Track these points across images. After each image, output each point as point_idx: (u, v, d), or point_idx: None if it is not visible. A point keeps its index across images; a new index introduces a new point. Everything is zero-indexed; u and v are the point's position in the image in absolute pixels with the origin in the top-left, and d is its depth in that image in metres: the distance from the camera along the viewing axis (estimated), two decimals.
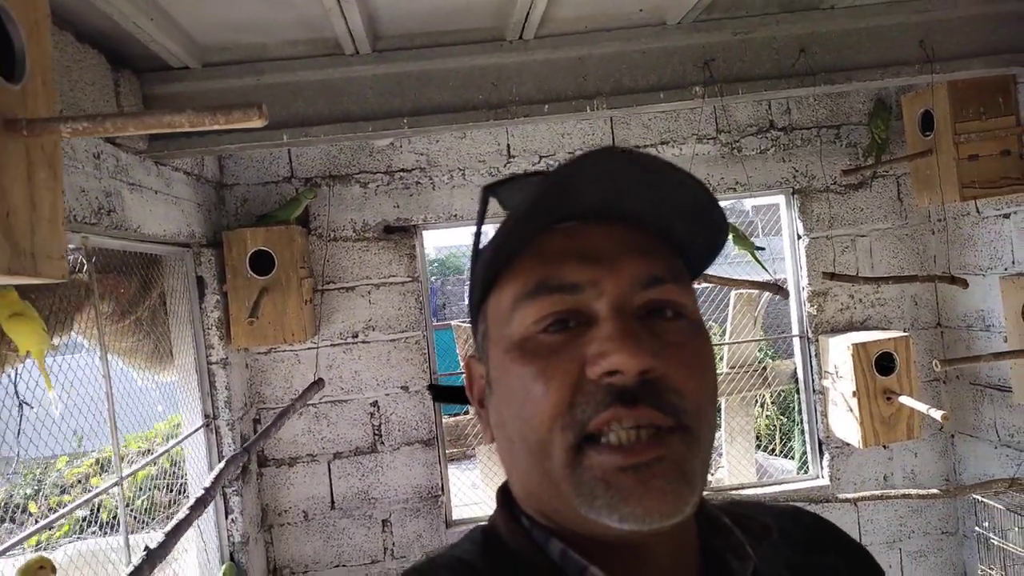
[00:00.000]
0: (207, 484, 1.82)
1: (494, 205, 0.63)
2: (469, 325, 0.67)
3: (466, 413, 4.75)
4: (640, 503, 0.49)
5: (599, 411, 0.50)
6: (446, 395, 0.73)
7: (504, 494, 0.62)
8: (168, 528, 1.57)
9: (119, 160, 2.12)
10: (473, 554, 0.58)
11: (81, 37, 1.97)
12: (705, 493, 0.56)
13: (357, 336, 3.21)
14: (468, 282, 0.63)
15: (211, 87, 2.29)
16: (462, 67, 2.40)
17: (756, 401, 4.89)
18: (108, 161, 2.05)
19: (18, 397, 1.83)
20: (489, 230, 0.61)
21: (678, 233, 0.59)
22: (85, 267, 2.00)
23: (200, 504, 1.73)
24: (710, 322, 6.81)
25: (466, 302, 0.66)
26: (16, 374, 1.80)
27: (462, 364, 0.64)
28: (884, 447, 3.40)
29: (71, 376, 2.54)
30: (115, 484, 1.97)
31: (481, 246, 0.60)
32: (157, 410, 3.02)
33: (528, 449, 0.54)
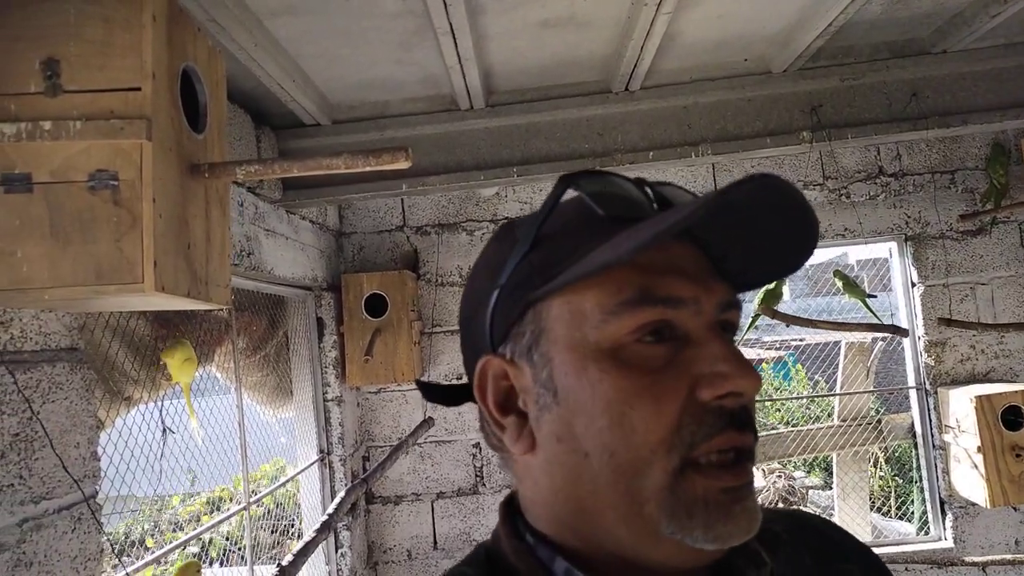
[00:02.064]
0: (331, 510, 1.92)
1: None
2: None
3: None
4: (735, 523, 0.49)
5: (711, 435, 0.49)
6: (438, 394, 0.67)
7: (508, 508, 0.59)
8: (296, 548, 1.66)
9: (258, 208, 2.32)
10: None
11: (231, 97, 2.20)
12: None
13: (461, 378, 3.28)
14: (509, 268, 0.56)
15: (339, 141, 2.49)
16: (569, 118, 2.51)
17: (869, 458, 4.66)
18: (249, 209, 2.25)
19: (163, 423, 2.00)
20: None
21: (743, 264, 0.57)
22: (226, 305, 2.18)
23: (325, 528, 1.83)
24: (816, 376, 6.56)
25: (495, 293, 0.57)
26: (162, 403, 1.97)
27: (480, 366, 0.57)
28: (1015, 508, 3.17)
29: (207, 416, 2.74)
30: (243, 509, 2.10)
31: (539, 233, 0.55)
32: (280, 442, 3.19)
33: (615, 466, 0.50)
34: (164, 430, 2.10)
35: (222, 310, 2.16)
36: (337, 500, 2.00)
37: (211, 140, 1.24)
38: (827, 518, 0.74)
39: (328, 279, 3.06)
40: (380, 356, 2.95)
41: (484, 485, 3.27)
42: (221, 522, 2.05)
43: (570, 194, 0.57)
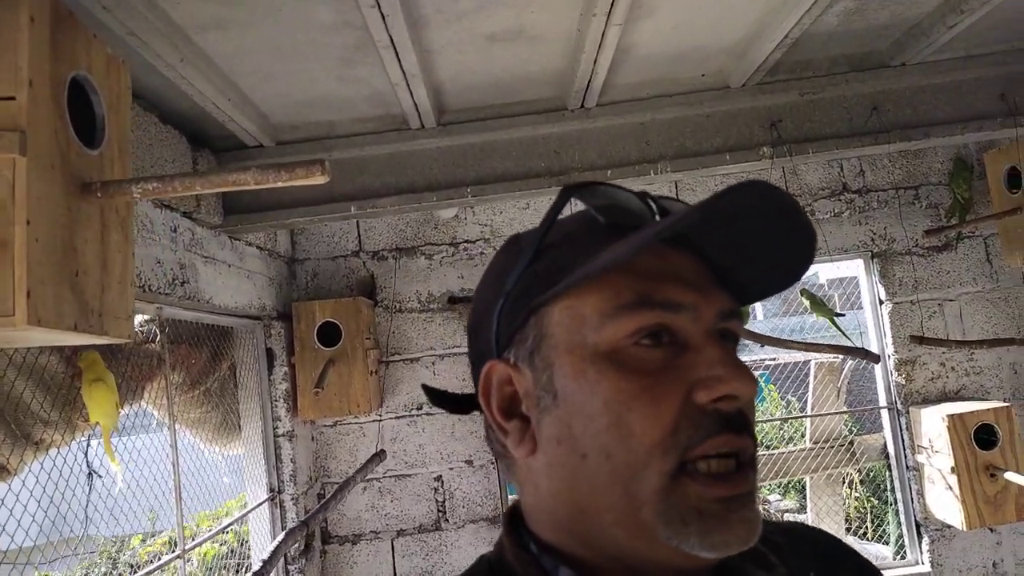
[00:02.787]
0: (264, 557, 1.78)
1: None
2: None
3: None
4: (731, 532, 0.50)
5: (708, 437, 0.50)
6: (446, 400, 0.69)
7: (511, 518, 0.60)
8: None
9: (195, 234, 2.19)
10: None
11: (165, 119, 2.08)
12: None
13: (421, 408, 3.17)
14: (513, 277, 0.58)
15: (283, 163, 2.37)
16: (524, 137, 2.42)
17: (843, 480, 4.58)
18: (184, 234, 2.12)
19: (88, 467, 1.85)
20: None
21: (745, 272, 0.59)
22: (158, 337, 2.04)
23: None
24: (788, 396, 6.50)
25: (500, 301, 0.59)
26: (87, 445, 1.82)
27: (485, 370, 0.60)
28: (991, 530, 3.10)
29: (143, 455, 2.58)
30: (176, 557, 1.95)
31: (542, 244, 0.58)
32: (224, 482, 3.02)
33: (612, 468, 0.51)
34: (90, 473, 1.94)
35: (151, 343, 2.03)
36: (272, 546, 1.86)
37: (110, 157, 1.13)
38: (825, 530, 0.73)
39: (278, 307, 2.92)
40: (334, 387, 2.81)
41: (447, 521, 3.12)
42: (153, 572, 1.89)
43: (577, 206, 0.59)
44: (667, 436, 0.50)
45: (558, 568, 0.54)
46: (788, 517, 5.53)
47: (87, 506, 1.92)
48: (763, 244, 0.56)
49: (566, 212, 0.59)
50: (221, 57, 1.86)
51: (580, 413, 0.53)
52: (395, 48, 1.78)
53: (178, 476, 1.99)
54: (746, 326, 2.92)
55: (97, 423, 1.66)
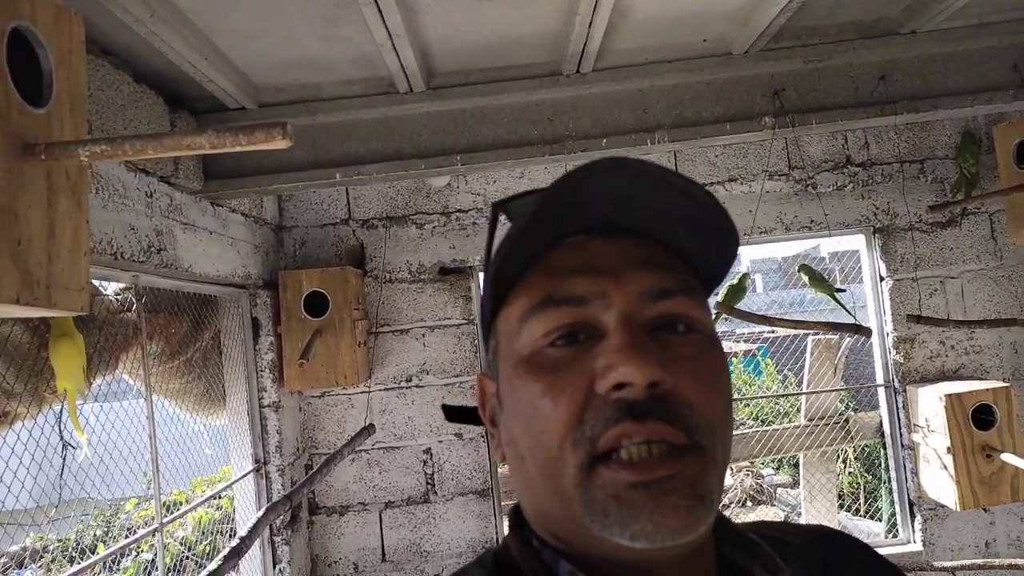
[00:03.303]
0: (243, 533, 1.73)
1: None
2: None
3: None
4: (651, 520, 0.47)
5: (608, 427, 0.49)
6: (460, 415, 0.71)
7: (516, 514, 0.61)
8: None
9: (173, 199, 2.12)
10: None
11: (139, 78, 1.99)
12: None
13: (411, 380, 3.12)
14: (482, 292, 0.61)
15: (241, 126, 2.28)
16: (517, 103, 2.33)
17: (838, 456, 4.56)
18: (161, 200, 2.04)
19: (62, 439, 1.80)
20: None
21: (688, 246, 0.58)
22: (134, 306, 1.98)
23: (234, 555, 1.64)
24: (785, 371, 6.47)
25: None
26: (60, 415, 1.77)
27: (477, 383, 0.64)
28: (985, 510, 3.08)
29: (127, 421, 2.54)
30: (153, 531, 1.91)
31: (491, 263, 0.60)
32: (204, 453, 2.99)
33: (538, 467, 0.53)
34: (64, 446, 1.89)
35: (128, 311, 1.96)
36: (252, 521, 1.81)
37: (59, 116, 1.05)
38: (857, 538, 0.69)
39: (265, 276, 2.85)
40: (321, 358, 2.75)
41: (435, 493, 3.09)
42: (128, 545, 1.85)
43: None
44: (572, 429, 0.50)
45: (558, 562, 0.55)
46: (780, 492, 5.53)
47: (62, 474, 1.87)
48: (676, 218, 0.55)
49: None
50: (195, 13, 1.76)
51: (513, 418, 0.55)
52: (378, 5, 1.68)
53: (155, 448, 1.94)
54: (744, 299, 2.85)
55: (64, 391, 1.59)
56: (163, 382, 2.37)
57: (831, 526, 0.71)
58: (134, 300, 1.98)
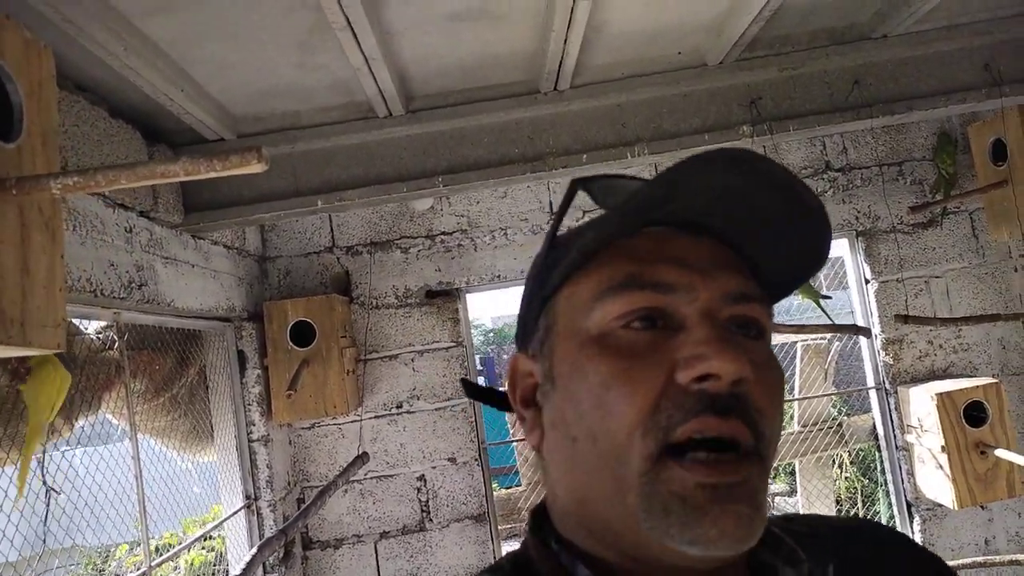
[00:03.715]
0: (236, 572, 1.69)
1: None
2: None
3: (518, 486, 4.52)
4: (716, 525, 0.46)
5: (688, 418, 0.47)
6: (481, 394, 0.69)
7: (535, 516, 0.59)
8: None
9: (153, 233, 2.09)
10: None
11: (115, 113, 1.97)
12: None
13: (401, 406, 3.08)
14: (536, 270, 0.60)
15: (215, 152, 2.27)
16: (496, 122, 2.33)
17: (833, 462, 4.55)
18: (141, 235, 2.01)
19: (44, 483, 1.75)
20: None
21: (768, 259, 0.56)
22: (116, 344, 1.94)
23: None
24: None
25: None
26: (42, 461, 1.72)
27: (509, 363, 0.60)
28: (982, 507, 3.07)
29: (114, 464, 2.48)
30: (141, 574, 1.85)
31: (558, 236, 0.58)
32: (194, 492, 2.93)
33: (599, 452, 0.50)
34: (48, 491, 1.84)
35: (110, 350, 1.92)
36: (246, 559, 1.77)
37: (30, 150, 1.03)
38: (899, 531, 0.68)
39: (249, 308, 2.82)
40: (309, 389, 2.71)
41: (431, 521, 3.04)
42: None
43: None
44: (646, 417, 0.48)
45: (576, 564, 0.53)
46: (778, 501, 5.50)
47: (46, 520, 1.81)
48: (775, 227, 0.53)
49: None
50: (170, 44, 1.75)
51: (570, 398, 0.53)
52: (353, 30, 1.68)
53: (141, 489, 1.89)
54: None
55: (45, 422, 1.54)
56: (148, 420, 2.32)
57: (873, 521, 0.69)
58: (116, 338, 1.95)
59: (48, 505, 1.78)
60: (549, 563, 0.54)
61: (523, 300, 0.62)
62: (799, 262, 0.57)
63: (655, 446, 0.48)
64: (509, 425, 4.65)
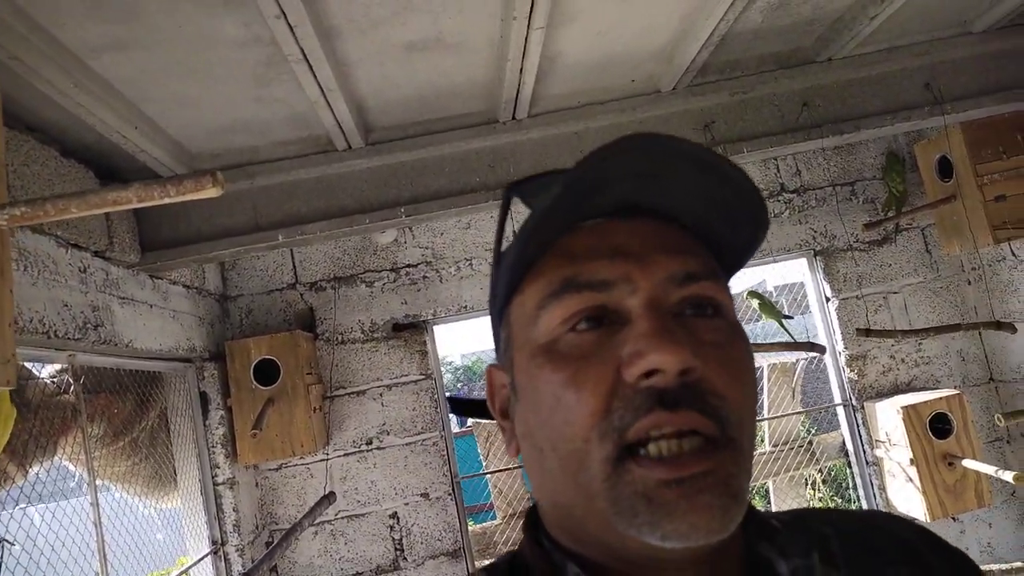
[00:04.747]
0: None
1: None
2: (491, 422, 0.61)
3: (493, 519, 4.46)
4: (685, 519, 0.45)
5: (639, 417, 0.46)
6: (466, 408, 0.69)
7: (530, 516, 0.59)
8: None
9: (108, 274, 2.05)
10: None
11: (67, 152, 1.95)
12: None
13: (371, 443, 3.03)
14: (492, 283, 0.60)
15: (169, 177, 2.24)
16: (457, 152, 2.35)
17: (806, 481, 4.57)
18: (96, 275, 1.97)
19: None
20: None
21: (714, 228, 0.55)
22: (72, 387, 1.88)
23: None
24: None
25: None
26: None
27: (486, 375, 0.60)
28: (954, 519, 3.10)
29: (75, 519, 2.39)
30: None
31: (503, 249, 0.57)
32: (157, 539, 2.83)
33: (560, 461, 0.50)
34: (1, 543, 1.77)
35: (65, 394, 1.87)
36: None
37: None
38: (917, 523, 0.63)
39: (211, 348, 2.76)
40: (275, 428, 2.66)
41: (405, 559, 2.98)
42: None
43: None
44: (599, 420, 0.47)
45: (567, 563, 0.53)
46: None
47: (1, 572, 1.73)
48: (706, 200, 0.52)
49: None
50: (122, 82, 1.74)
51: (531, 408, 0.52)
52: (308, 62, 1.69)
53: (101, 536, 1.82)
54: None
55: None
56: (108, 465, 2.25)
57: (889, 512, 0.68)
58: (71, 381, 1.89)
59: (1, 556, 1.71)
60: (542, 562, 0.54)
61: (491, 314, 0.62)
62: (744, 230, 0.55)
63: (613, 448, 0.47)
64: (482, 458, 4.60)
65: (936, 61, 2.39)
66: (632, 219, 0.54)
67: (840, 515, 0.63)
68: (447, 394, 2.93)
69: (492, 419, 0.63)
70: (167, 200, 0.92)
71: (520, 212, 0.58)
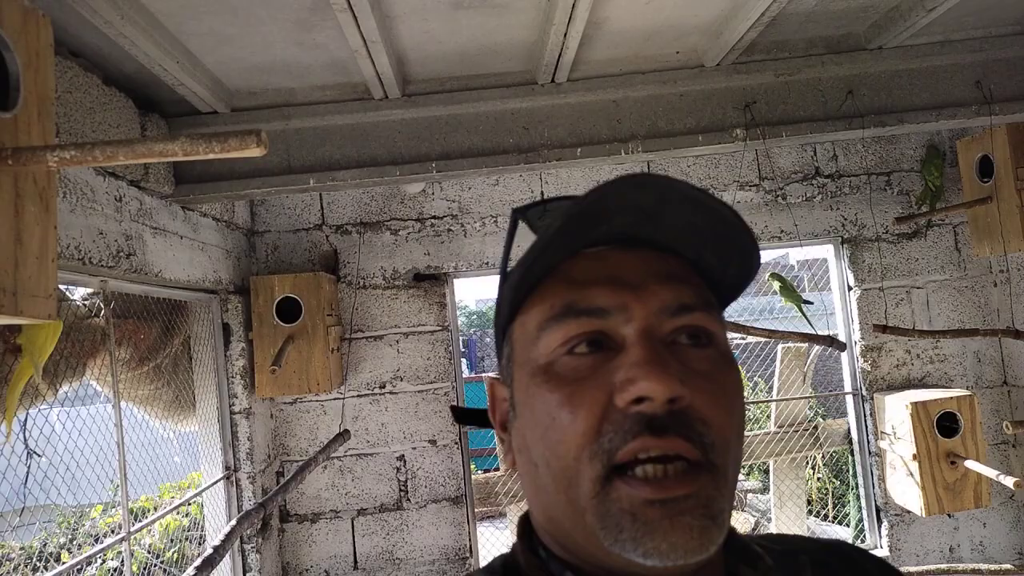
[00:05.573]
0: (216, 542, 1.71)
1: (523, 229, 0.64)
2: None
3: (496, 469, 4.57)
4: (666, 539, 0.47)
5: (627, 440, 0.49)
6: (469, 417, 0.71)
7: (524, 524, 0.61)
8: None
9: (143, 203, 2.09)
10: None
11: (109, 81, 1.97)
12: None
13: (384, 387, 3.10)
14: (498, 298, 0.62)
15: (215, 133, 2.27)
16: (492, 111, 2.34)
17: (807, 463, 4.62)
18: (131, 204, 2.02)
19: (27, 446, 1.76)
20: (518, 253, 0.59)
21: (708, 261, 0.58)
22: (102, 311, 1.95)
23: (207, 565, 1.61)
24: (756, 378, 6.55)
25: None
26: (25, 423, 1.73)
27: (487, 387, 0.64)
28: (949, 515, 3.14)
29: (94, 426, 2.49)
30: (120, 540, 1.87)
31: (509, 268, 0.59)
32: (174, 461, 2.94)
33: (553, 477, 0.53)
34: (29, 453, 1.86)
35: (95, 317, 1.93)
36: (225, 531, 1.79)
37: (26, 120, 1.03)
38: (872, 553, 0.69)
39: (236, 281, 2.82)
40: (293, 365, 2.73)
41: (408, 500, 3.08)
42: (95, 554, 1.82)
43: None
44: (591, 440, 0.50)
45: (564, 574, 0.55)
46: (750, 497, 5.59)
47: (27, 481, 1.83)
48: (704, 237, 0.56)
49: None
50: (167, 16, 1.75)
51: (528, 425, 0.55)
52: (353, 12, 1.68)
53: (123, 455, 1.91)
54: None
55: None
56: (132, 388, 2.33)
57: (847, 541, 0.72)
58: (102, 305, 1.95)
59: (29, 467, 1.80)
60: (537, 572, 0.57)
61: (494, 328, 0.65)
62: (735, 267, 0.58)
63: (602, 468, 0.50)
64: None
65: (989, 59, 2.32)
66: (631, 249, 0.57)
67: (813, 543, 0.67)
68: (450, 404, 2.98)
69: (491, 427, 0.66)
70: (211, 156, 0.94)
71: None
